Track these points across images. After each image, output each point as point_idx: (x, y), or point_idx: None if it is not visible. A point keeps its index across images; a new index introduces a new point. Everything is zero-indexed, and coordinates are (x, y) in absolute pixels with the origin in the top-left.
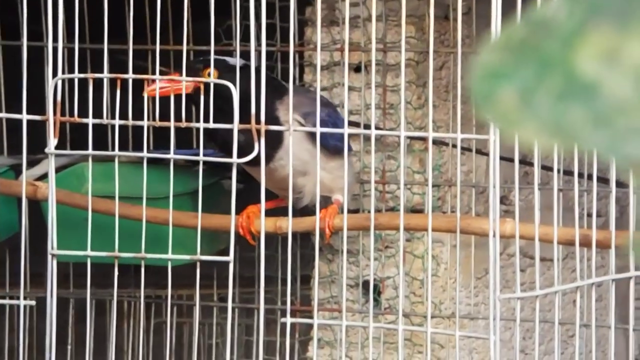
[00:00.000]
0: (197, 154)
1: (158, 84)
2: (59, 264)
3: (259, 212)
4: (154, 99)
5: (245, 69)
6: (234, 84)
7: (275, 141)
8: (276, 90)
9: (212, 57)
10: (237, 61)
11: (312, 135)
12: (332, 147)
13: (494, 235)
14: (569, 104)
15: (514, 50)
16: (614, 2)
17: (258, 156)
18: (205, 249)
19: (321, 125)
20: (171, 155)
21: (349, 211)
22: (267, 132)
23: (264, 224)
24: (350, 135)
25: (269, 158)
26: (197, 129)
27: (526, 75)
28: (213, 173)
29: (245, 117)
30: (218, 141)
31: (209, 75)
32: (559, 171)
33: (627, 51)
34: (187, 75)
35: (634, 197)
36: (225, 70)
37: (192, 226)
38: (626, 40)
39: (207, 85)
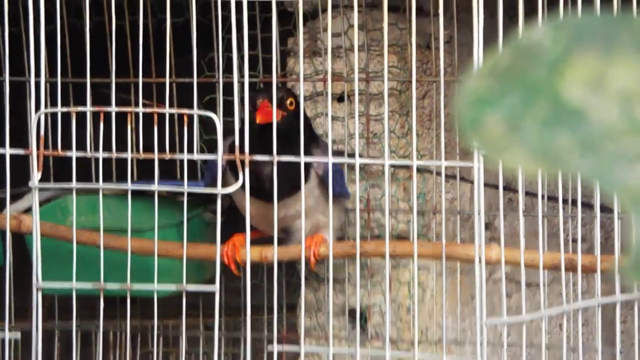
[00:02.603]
0: (181, 186)
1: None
2: (45, 296)
3: (244, 241)
4: (137, 130)
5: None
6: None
7: (295, 187)
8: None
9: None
10: (302, 93)
11: (323, 184)
12: (336, 194)
13: (480, 261)
14: (556, 130)
15: (499, 77)
16: (599, 28)
17: (270, 192)
18: (191, 279)
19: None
20: (155, 187)
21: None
22: (289, 176)
23: (249, 253)
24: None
25: (282, 199)
26: (182, 161)
27: (512, 102)
28: (196, 205)
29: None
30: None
31: (290, 104)
32: (543, 197)
33: (612, 77)
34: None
35: (619, 222)
36: (298, 101)
37: (178, 256)
38: (611, 66)
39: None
